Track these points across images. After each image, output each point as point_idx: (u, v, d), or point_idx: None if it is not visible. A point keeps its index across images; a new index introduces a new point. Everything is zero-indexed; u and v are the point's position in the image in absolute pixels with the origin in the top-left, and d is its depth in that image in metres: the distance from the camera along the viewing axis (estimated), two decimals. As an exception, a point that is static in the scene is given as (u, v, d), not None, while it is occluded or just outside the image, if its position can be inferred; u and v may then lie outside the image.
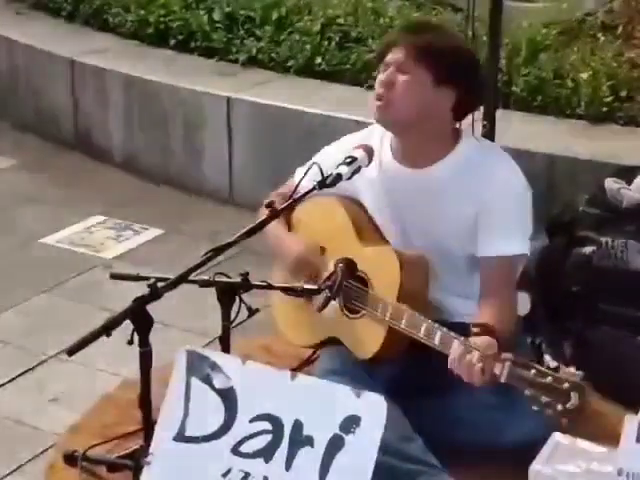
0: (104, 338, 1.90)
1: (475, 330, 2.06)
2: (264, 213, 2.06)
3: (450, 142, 2.25)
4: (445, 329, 2.05)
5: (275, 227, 2.37)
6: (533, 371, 1.82)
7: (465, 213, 2.22)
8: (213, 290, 2.07)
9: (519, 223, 2.23)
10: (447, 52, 2.18)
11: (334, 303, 2.25)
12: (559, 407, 1.76)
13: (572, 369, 1.89)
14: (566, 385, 1.78)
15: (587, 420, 2.08)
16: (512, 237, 2.21)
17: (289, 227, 2.46)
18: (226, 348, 2.07)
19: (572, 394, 1.77)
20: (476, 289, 2.27)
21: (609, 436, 1.82)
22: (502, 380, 1.89)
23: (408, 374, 2.24)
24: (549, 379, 1.79)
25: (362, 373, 2.15)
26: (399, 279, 2.17)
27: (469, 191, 2.21)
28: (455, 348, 1.99)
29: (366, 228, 2.33)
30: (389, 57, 2.20)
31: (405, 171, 2.28)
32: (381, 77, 2.20)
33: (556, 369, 1.84)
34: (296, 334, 2.46)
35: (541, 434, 2.00)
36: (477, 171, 2.21)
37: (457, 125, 2.30)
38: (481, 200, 2.20)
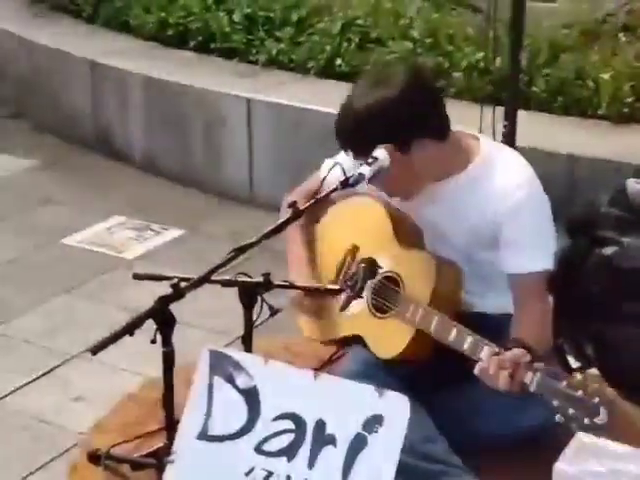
0: (127, 337, 1.91)
1: (509, 345, 2.04)
2: (286, 211, 2.07)
3: (466, 155, 2.22)
4: (477, 336, 2.03)
5: (295, 245, 2.37)
6: (564, 382, 1.81)
7: (482, 224, 2.20)
8: (234, 290, 2.08)
9: (541, 237, 2.20)
10: (383, 123, 2.09)
11: (362, 301, 2.25)
12: (586, 421, 1.75)
13: (594, 370, 1.87)
14: (596, 400, 1.76)
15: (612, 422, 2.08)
16: (536, 253, 2.19)
17: (317, 223, 2.45)
18: (248, 347, 2.08)
19: (601, 409, 1.75)
20: (497, 285, 2.27)
21: (634, 436, 1.81)
22: (531, 389, 1.88)
23: (428, 370, 2.23)
24: (580, 392, 1.78)
25: (384, 374, 2.15)
26: (434, 283, 2.15)
27: (486, 202, 2.18)
28: (485, 354, 1.98)
29: (405, 229, 2.30)
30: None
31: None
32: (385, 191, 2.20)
33: (580, 369, 1.83)
34: (316, 329, 2.45)
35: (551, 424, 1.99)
36: (490, 184, 2.18)
37: (470, 137, 2.26)
38: (499, 213, 2.17)
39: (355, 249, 2.37)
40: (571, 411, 1.77)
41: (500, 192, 2.17)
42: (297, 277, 2.35)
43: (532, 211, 2.19)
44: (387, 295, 2.24)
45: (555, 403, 1.80)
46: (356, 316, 2.29)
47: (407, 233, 2.31)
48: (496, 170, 2.20)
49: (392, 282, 2.24)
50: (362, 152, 2.13)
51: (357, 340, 2.31)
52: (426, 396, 2.15)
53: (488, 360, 1.96)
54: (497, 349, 1.97)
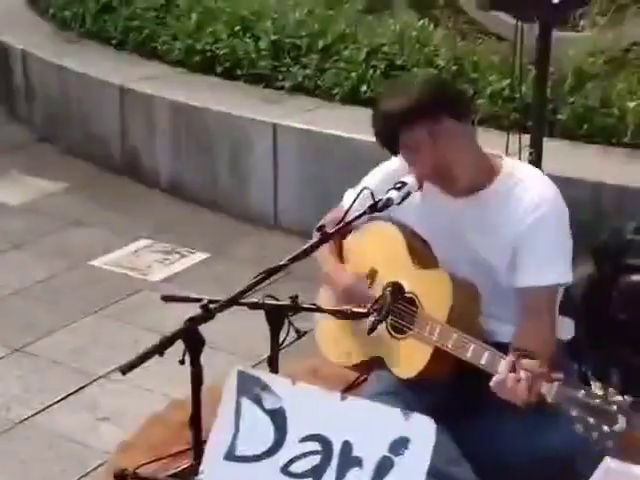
0: (153, 359, 1.93)
1: (514, 354, 2.05)
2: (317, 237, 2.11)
3: (490, 171, 2.27)
4: (493, 350, 2.06)
5: (326, 257, 2.41)
6: (582, 392, 1.82)
7: (508, 237, 2.23)
8: (259, 313, 2.10)
9: (558, 250, 2.23)
10: (434, 98, 2.20)
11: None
12: (605, 428, 1.76)
13: (619, 396, 1.87)
14: (614, 408, 1.77)
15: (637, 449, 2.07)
16: (552, 265, 2.21)
17: (341, 251, 2.50)
18: (275, 370, 2.10)
19: (619, 417, 1.76)
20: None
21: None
22: (549, 400, 1.89)
23: (454, 395, 2.25)
24: (598, 401, 1.79)
25: (410, 395, 2.17)
26: (451, 301, 2.19)
27: (509, 217, 2.22)
28: (502, 368, 2.00)
29: (421, 252, 2.36)
30: (406, 139, 2.20)
31: (451, 200, 2.30)
32: (421, 162, 2.21)
33: (604, 395, 1.83)
34: (337, 353, 2.48)
35: (582, 440, 2.00)
36: (516, 198, 2.22)
37: (494, 155, 2.31)
38: (519, 227, 2.21)
39: (373, 273, 2.40)
40: (590, 420, 1.78)
41: (525, 206, 2.21)
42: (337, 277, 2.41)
43: (553, 226, 2.22)
44: (405, 316, 2.26)
45: (574, 413, 1.80)
46: (375, 338, 2.31)
47: (422, 254, 2.35)
48: (521, 185, 2.24)
49: (409, 303, 2.27)
50: (423, 123, 2.18)
51: (378, 362, 2.32)
52: (452, 420, 2.16)
53: (505, 373, 1.97)
54: (514, 362, 1.98)
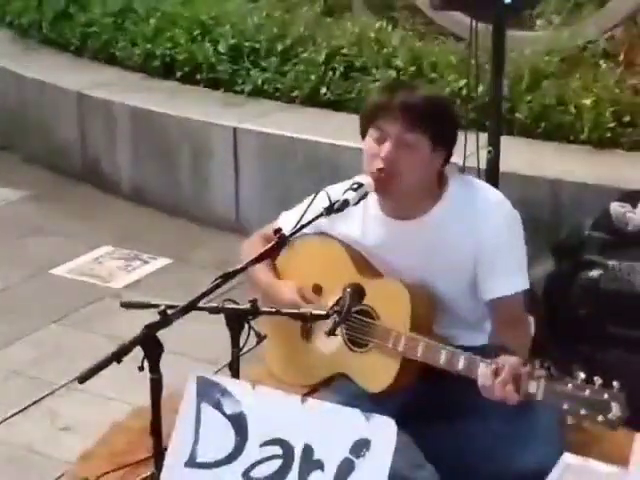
0: (114, 367, 1.91)
1: (499, 353, 2.03)
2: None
3: (438, 188, 2.24)
4: (468, 353, 2.03)
5: (264, 274, 2.36)
6: (570, 385, 1.80)
7: (463, 256, 2.20)
8: (221, 318, 2.09)
9: (518, 258, 2.22)
10: (441, 118, 2.18)
11: (337, 338, 2.22)
12: (600, 418, 1.75)
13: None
14: (606, 396, 1.76)
15: (596, 442, 2.08)
16: (515, 273, 2.21)
17: (275, 268, 2.43)
18: (235, 374, 2.08)
19: (613, 404, 1.75)
20: (476, 319, 2.27)
21: (618, 457, 1.82)
22: (539, 398, 1.87)
23: (419, 401, 2.22)
24: (587, 392, 1.78)
25: (370, 404, 2.13)
26: (410, 308, 2.14)
27: (464, 233, 2.19)
28: (484, 370, 1.97)
29: (364, 263, 2.30)
30: (386, 126, 2.15)
31: (397, 224, 2.26)
32: (383, 153, 2.15)
33: (591, 384, 1.81)
34: (292, 373, 2.42)
35: (554, 463, 1.99)
36: (469, 211, 2.20)
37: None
38: (477, 240, 2.18)
39: (317, 288, 2.34)
40: (583, 412, 1.76)
41: (477, 216, 2.19)
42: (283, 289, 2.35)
43: (514, 231, 2.22)
44: (362, 328, 2.21)
45: (565, 406, 1.79)
46: (334, 354, 2.26)
47: (366, 265, 2.29)
48: (473, 196, 2.22)
49: (364, 314, 2.21)
50: (421, 129, 2.15)
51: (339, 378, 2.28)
52: (418, 426, 2.14)
53: (490, 377, 1.95)
54: (494, 364, 1.96)
